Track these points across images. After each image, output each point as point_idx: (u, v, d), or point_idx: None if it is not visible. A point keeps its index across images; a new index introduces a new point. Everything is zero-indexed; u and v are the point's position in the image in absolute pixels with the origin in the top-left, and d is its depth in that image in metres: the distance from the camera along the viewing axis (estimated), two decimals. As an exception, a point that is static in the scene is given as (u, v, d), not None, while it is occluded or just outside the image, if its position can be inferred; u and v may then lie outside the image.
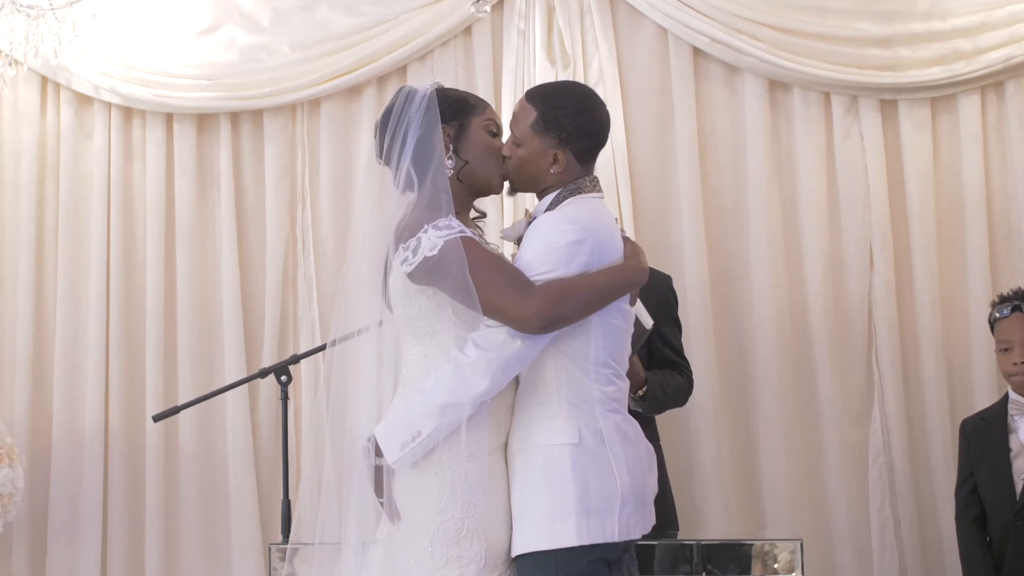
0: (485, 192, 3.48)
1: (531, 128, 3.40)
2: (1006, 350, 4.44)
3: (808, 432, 5.57)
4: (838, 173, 5.64)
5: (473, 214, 3.50)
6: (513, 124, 3.46)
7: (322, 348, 4.88)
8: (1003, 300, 4.51)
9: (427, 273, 3.21)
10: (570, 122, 3.38)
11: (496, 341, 3.18)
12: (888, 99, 5.62)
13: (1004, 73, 5.52)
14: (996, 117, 5.59)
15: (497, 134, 3.48)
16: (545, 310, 3.14)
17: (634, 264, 3.36)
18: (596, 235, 3.29)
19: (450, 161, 3.37)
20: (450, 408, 3.17)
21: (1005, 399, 4.51)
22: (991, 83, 5.56)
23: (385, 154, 3.38)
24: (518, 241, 3.44)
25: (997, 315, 4.49)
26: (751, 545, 4.09)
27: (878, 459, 5.52)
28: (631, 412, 3.65)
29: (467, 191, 3.43)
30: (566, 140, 3.38)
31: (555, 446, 3.21)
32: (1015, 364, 4.40)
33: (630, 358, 3.52)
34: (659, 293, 4.58)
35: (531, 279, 3.20)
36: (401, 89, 3.43)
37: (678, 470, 5.35)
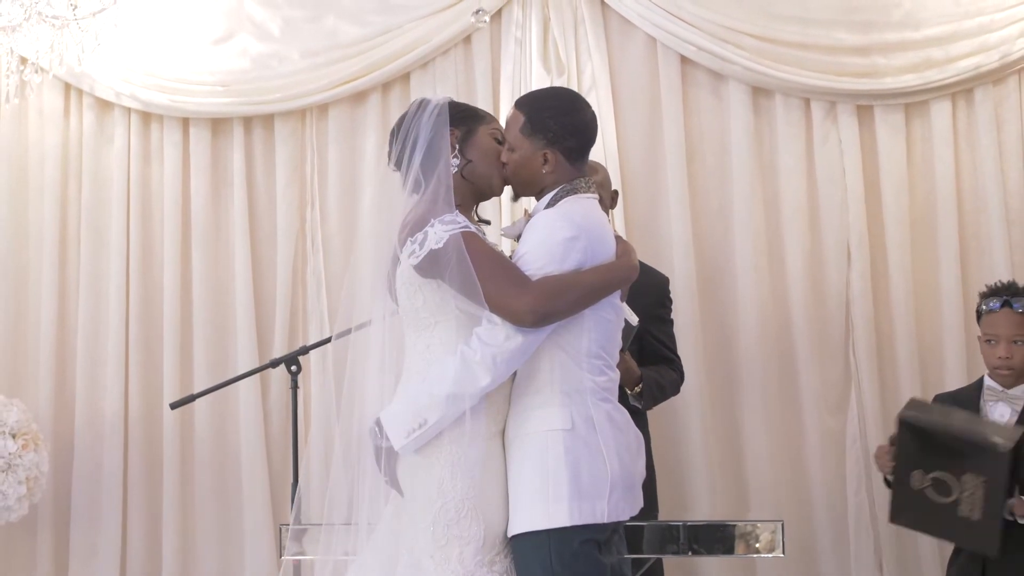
0: (486, 193, 3.50)
1: (520, 132, 3.43)
2: (992, 343, 4.39)
3: (789, 420, 5.59)
4: (817, 175, 5.66)
5: (476, 219, 3.51)
6: (506, 131, 3.50)
7: (330, 340, 4.90)
8: (993, 293, 4.40)
9: (432, 265, 3.23)
10: (555, 123, 3.40)
11: (499, 336, 3.20)
12: (864, 105, 5.65)
13: (974, 80, 5.55)
14: (966, 122, 5.61)
15: (502, 143, 3.50)
16: (539, 305, 3.17)
17: (625, 262, 3.38)
18: (590, 233, 3.31)
19: (455, 159, 3.40)
20: (455, 399, 3.19)
21: (979, 383, 4.49)
22: (962, 90, 5.59)
23: (396, 159, 3.41)
24: (517, 238, 3.46)
25: (985, 308, 4.40)
26: (735, 526, 4.10)
27: (855, 446, 5.55)
28: (631, 408, 3.68)
29: (471, 190, 3.45)
30: (553, 140, 3.40)
31: (549, 432, 3.23)
32: (1000, 358, 4.33)
33: (623, 355, 3.54)
34: (656, 293, 4.60)
35: (528, 274, 3.23)
36: (416, 99, 3.46)
37: (667, 456, 5.38)
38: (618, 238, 3.45)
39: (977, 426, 4.10)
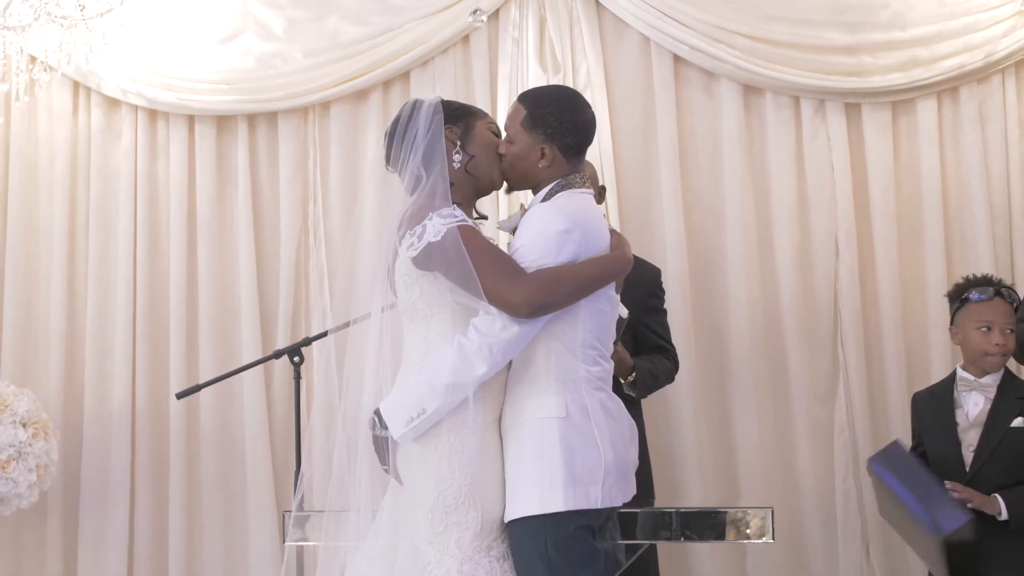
0: (487, 188, 3.51)
1: (521, 125, 3.44)
2: (987, 330, 4.38)
3: (779, 410, 5.61)
4: (807, 171, 5.68)
5: (475, 215, 3.52)
6: (507, 123, 3.51)
7: (332, 331, 4.91)
8: (979, 283, 4.43)
9: (430, 258, 3.24)
10: (555, 119, 3.42)
11: (496, 326, 3.21)
12: (852, 103, 5.67)
13: (959, 79, 5.58)
14: (951, 120, 5.64)
15: (498, 135, 3.52)
16: (534, 297, 3.18)
17: (619, 255, 3.39)
18: (584, 225, 3.32)
19: (458, 156, 3.41)
20: (453, 388, 3.19)
21: (952, 376, 4.52)
22: (947, 88, 5.62)
23: (394, 160, 3.42)
24: (513, 231, 3.47)
25: (976, 297, 4.42)
26: (726, 513, 4.10)
27: (842, 434, 5.57)
28: (625, 396, 3.68)
29: (472, 185, 3.46)
30: (551, 136, 3.41)
31: (545, 420, 3.24)
32: (996, 344, 4.36)
33: (615, 346, 3.55)
34: (648, 285, 4.62)
35: (524, 266, 3.24)
36: (408, 101, 3.47)
37: (661, 445, 5.39)
38: (612, 231, 3.45)
39: (928, 505, 4.10)
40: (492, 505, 3.24)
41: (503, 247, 3.39)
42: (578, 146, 3.47)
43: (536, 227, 3.31)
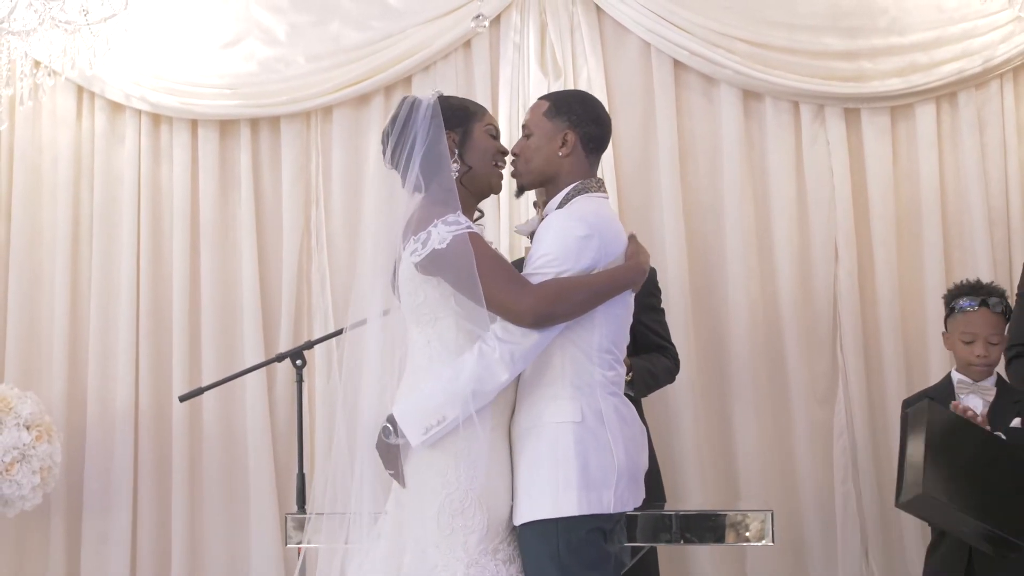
0: (486, 193, 3.48)
1: (543, 115, 3.43)
2: (969, 342, 4.38)
3: (778, 412, 5.60)
4: (806, 175, 5.67)
5: (475, 215, 3.50)
6: (527, 120, 3.49)
7: (334, 334, 4.91)
8: (967, 291, 4.41)
9: (434, 264, 3.22)
10: (579, 106, 3.43)
11: (516, 333, 3.18)
12: (851, 108, 5.66)
13: (957, 84, 5.57)
14: (950, 125, 5.63)
15: (496, 137, 3.48)
16: (538, 307, 3.16)
17: (632, 265, 3.36)
18: (602, 231, 3.30)
19: (456, 165, 3.37)
20: (475, 396, 3.17)
21: (948, 379, 4.49)
22: (945, 93, 5.61)
23: (393, 159, 3.37)
24: (530, 235, 3.45)
25: (960, 307, 4.41)
26: (725, 515, 4.08)
27: (842, 437, 5.56)
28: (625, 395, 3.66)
29: (470, 193, 3.42)
30: (575, 123, 3.40)
31: (560, 424, 3.22)
32: (978, 356, 4.34)
33: None
34: (645, 284, 4.58)
35: (543, 273, 3.22)
36: (405, 99, 3.41)
37: (661, 447, 5.36)
38: (631, 238, 3.43)
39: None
40: (499, 508, 3.23)
41: (507, 252, 3.37)
42: (598, 139, 3.45)
43: (555, 233, 3.29)
